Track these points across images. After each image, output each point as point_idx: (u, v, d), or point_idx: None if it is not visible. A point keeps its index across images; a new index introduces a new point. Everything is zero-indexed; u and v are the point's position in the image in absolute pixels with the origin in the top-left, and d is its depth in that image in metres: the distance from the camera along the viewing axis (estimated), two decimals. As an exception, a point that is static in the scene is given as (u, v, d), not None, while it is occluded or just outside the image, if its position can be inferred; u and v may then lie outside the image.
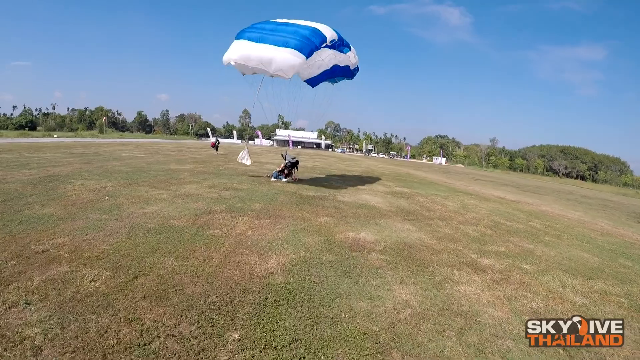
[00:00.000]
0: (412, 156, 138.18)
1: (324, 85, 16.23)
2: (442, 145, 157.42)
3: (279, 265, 5.82)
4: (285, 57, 11.99)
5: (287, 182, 16.25)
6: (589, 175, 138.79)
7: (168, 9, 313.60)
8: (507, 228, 11.25)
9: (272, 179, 16.64)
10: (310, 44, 12.29)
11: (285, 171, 17.10)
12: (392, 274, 5.99)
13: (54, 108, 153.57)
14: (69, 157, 20.48)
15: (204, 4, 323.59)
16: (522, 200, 21.61)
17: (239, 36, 12.69)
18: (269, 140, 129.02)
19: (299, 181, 16.85)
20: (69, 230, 6.62)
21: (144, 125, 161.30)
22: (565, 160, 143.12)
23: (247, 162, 17.19)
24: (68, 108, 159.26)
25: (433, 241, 8.52)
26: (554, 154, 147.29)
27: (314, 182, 17.75)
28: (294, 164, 17.40)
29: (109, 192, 10.32)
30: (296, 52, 12.02)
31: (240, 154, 17.46)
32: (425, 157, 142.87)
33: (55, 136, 57.91)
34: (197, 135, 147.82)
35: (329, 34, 12.97)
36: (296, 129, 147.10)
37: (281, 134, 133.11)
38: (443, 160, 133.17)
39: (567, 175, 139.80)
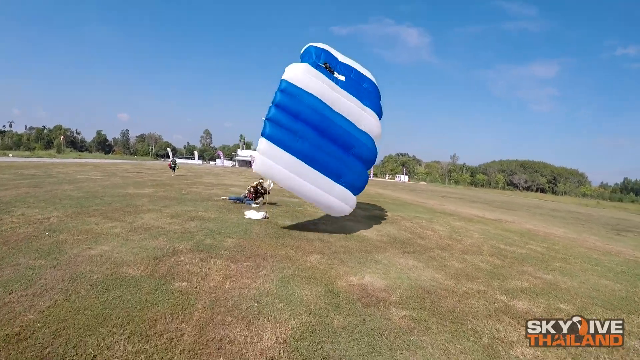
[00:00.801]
0: (375, 174, 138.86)
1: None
2: (404, 163, 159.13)
3: (278, 341, 4.16)
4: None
5: (256, 206, 14.76)
6: (549, 187, 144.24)
7: (131, 26, 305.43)
8: (512, 255, 10.24)
9: (230, 201, 15.35)
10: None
11: (258, 198, 15.58)
12: (429, 341, 4.50)
13: (10, 126, 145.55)
14: (17, 179, 18.18)
15: (166, 21, 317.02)
16: (503, 219, 21.08)
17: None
18: (230, 161, 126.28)
19: (269, 205, 15.31)
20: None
21: (104, 145, 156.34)
22: (525, 174, 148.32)
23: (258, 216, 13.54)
24: (26, 126, 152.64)
25: (449, 281, 7.13)
26: (513, 169, 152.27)
27: (286, 206, 16.22)
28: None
29: (52, 225, 8.43)
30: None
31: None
32: (387, 175, 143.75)
33: (10, 155, 53.71)
34: (157, 155, 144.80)
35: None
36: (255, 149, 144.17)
37: (243, 154, 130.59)
38: (405, 178, 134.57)
39: (528, 188, 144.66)
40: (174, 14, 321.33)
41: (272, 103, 9.03)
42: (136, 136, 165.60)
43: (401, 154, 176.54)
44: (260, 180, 15.68)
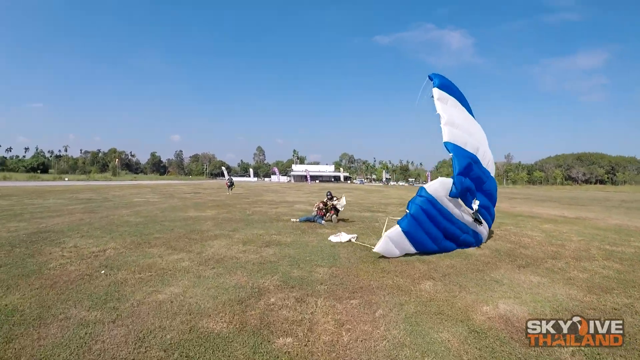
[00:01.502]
0: (425, 180, 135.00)
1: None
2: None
3: None
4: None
5: (326, 223, 13.44)
6: (608, 178, 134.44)
7: (178, 49, 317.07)
8: (625, 256, 9.20)
9: (295, 220, 14.02)
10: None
11: (327, 214, 14.06)
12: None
13: (66, 150, 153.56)
14: (72, 203, 17.80)
15: (213, 43, 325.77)
16: (584, 216, 19.49)
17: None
18: (285, 177, 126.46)
19: (343, 222, 13.97)
20: (27, 355, 3.62)
21: (158, 167, 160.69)
22: (583, 167, 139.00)
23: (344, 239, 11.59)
24: (81, 150, 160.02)
25: (589, 297, 5.95)
26: (570, 163, 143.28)
27: (361, 222, 14.59)
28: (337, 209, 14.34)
29: (109, 260, 7.24)
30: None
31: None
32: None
33: (66, 179, 55.71)
34: (212, 175, 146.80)
35: None
36: (311, 163, 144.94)
37: (297, 169, 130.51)
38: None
39: (586, 181, 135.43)
40: (213, 35, 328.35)
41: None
42: (190, 156, 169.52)
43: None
44: (334, 200, 14.24)
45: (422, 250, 8.38)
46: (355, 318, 4.82)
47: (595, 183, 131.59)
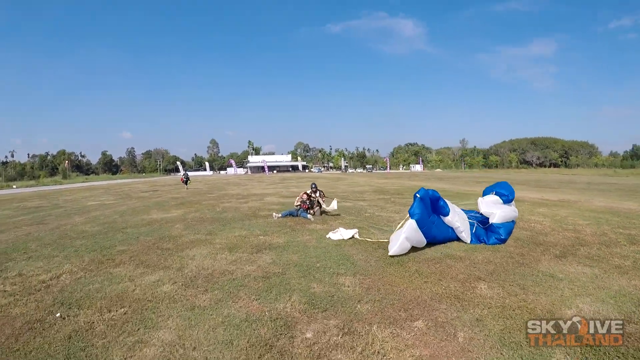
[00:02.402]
0: (385, 167, 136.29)
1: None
2: (417, 153, 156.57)
3: None
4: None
5: (314, 218, 12.02)
6: (561, 162, 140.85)
7: (121, 43, 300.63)
8: None
9: (277, 215, 12.37)
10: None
11: (313, 208, 12.71)
12: None
13: (12, 156, 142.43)
14: (19, 214, 15.23)
15: (158, 35, 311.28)
16: (567, 199, 18.65)
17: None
18: (241, 169, 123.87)
19: (332, 216, 12.58)
20: None
21: (110, 166, 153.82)
22: (537, 151, 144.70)
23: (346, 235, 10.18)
24: (28, 155, 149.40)
25: None
26: (525, 147, 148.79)
27: (351, 213, 13.35)
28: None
29: (65, 293, 5.35)
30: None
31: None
32: (402, 166, 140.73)
33: (14, 187, 50.66)
34: (166, 170, 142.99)
35: None
36: (266, 154, 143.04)
37: (254, 160, 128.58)
38: (420, 167, 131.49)
39: (541, 165, 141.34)
40: (157, 27, 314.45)
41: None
42: (142, 153, 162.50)
43: (410, 144, 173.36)
44: (318, 195, 12.87)
45: (431, 240, 7.58)
46: (438, 349, 3.53)
47: (549, 166, 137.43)
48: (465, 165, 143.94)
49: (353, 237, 8.75)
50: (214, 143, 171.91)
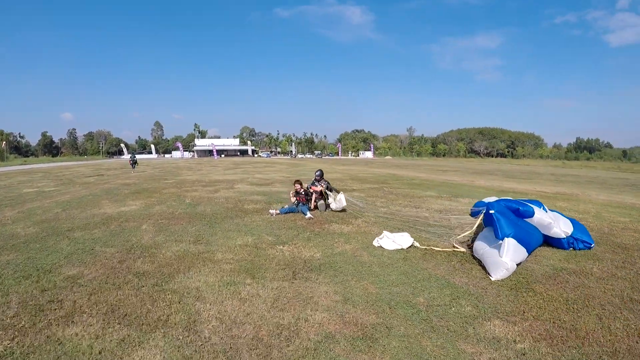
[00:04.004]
0: (336, 153, 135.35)
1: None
2: (365, 139, 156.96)
3: None
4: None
5: (310, 216, 9.28)
6: (508, 152, 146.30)
7: (60, 19, 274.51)
8: None
9: (275, 212, 9.69)
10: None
11: (314, 199, 10.36)
12: None
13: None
14: None
15: (102, 12, 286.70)
16: (562, 192, 17.82)
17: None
18: (187, 152, 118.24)
19: (326, 211, 10.23)
20: None
21: (50, 148, 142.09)
22: (484, 140, 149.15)
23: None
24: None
25: None
26: (472, 136, 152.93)
27: (358, 210, 10.80)
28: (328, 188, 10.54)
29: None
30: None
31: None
32: (350, 152, 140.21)
33: None
34: (109, 153, 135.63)
35: None
36: (211, 137, 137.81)
37: (201, 143, 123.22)
38: (370, 154, 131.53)
39: (488, 154, 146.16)
40: (102, 6, 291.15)
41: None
42: (84, 135, 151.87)
43: (357, 130, 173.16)
44: (322, 185, 10.47)
45: (530, 250, 6.15)
46: None
47: (497, 156, 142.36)
48: (414, 153, 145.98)
49: (413, 245, 6.60)
50: (158, 126, 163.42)
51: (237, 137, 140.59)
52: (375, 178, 23.22)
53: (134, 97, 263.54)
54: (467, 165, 58.70)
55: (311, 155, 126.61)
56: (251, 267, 5.36)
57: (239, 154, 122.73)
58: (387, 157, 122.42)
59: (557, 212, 7.12)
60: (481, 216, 6.35)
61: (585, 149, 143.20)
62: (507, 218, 5.69)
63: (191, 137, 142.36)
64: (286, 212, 9.67)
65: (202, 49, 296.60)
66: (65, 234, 7.34)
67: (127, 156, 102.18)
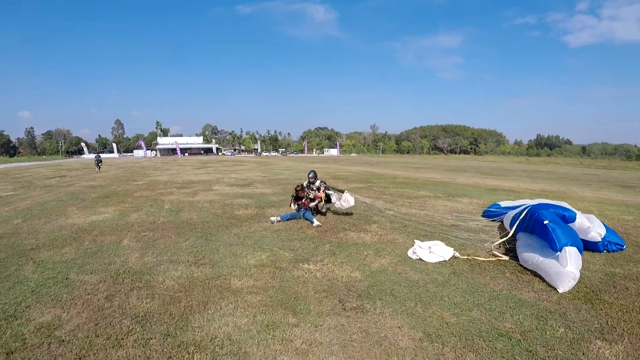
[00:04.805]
0: (301, 151, 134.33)
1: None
2: (330, 137, 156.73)
3: None
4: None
5: (318, 224, 8.13)
6: (471, 149, 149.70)
7: (17, 13, 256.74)
8: None
9: (277, 219, 8.45)
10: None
11: (316, 202, 9.17)
12: None
13: None
14: None
15: (58, 7, 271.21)
16: (549, 189, 17.77)
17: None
18: (150, 151, 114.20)
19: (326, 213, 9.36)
20: None
21: (7, 147, 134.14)
22: (448, 137, 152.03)
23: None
24: None
25: None
26: (436, 133, 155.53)
27: (364, 213, 9.82)
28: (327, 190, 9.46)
29: None
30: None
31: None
32: (315, 150, 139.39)
33: None
34: (68, 153, 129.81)
35: None
36: (174, 136, 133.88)
37: (164, 142, 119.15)
38: (335, 152, 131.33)
39: (452, 151, 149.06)
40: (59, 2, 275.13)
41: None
42: (42, 134, 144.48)
43: (320, 128, 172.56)
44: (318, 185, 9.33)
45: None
46: None
47: (460, 153, 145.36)
48: (378, 150, 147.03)
49: (454, 256, 5.89)
50: (119, 124, 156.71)
51: (200, 135, 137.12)
52: (356, 177, 22.28)
53: (93, 94, 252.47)
54: (434, 162, 58.95)
55: (276, 153, 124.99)
56: (284, 297, 4.21)
57: (203, 152, 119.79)
58: (352, 155, 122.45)
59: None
60: (516, 223, 6.16)
61: (545, 146, 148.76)
62: (561, 227, 5.31)
63: (153, 136, 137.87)
64: (288, 219, 8.52)
65: (161, 45, 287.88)
66: (29, 255, 5.87)
67: (88, 156, 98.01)
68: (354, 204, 8.78)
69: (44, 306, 3.97)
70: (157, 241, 6.68)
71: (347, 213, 9.12)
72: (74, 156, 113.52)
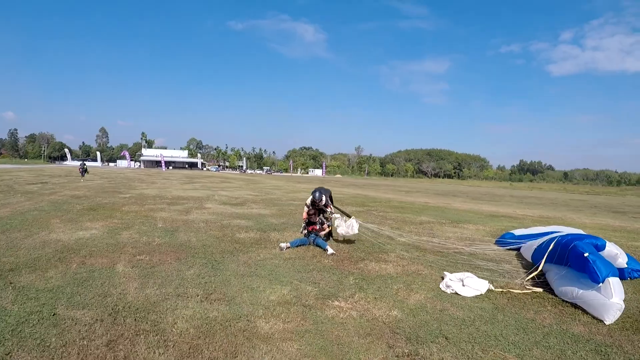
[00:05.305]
0: (285, 170, 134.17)
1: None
2: (315, 157, 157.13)
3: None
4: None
5: (332, 252, 7.37)
6: (455, 173, 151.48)
7: (10, 11, 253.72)
8: None
9: (286, 246, 7.67)
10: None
11: (324, 227, 8.35)
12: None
13: None
14: None
15: (48, 13, 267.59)
16: (547, 215, 17.83)
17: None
18: (133, 162, 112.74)
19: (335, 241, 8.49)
20: None
21: None
22: (432, 161, 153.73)
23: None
24: None
25: None
26: (420, 157, 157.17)
27: (373, 241, 8.92)
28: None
29: None
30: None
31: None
32: (300, 170, 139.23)
33: None
34: (50, 158, 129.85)
35: None
36: (158, 148, 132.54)
37: (148, 153, 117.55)
38: (320, 172, 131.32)
39: (436, 175, 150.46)
40: (47, 6, 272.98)
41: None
42: (25, 136, 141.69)
43: (305, 147, 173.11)
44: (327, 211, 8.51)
45: None
46: None
47: (444, 177, 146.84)
48: (363, 172, 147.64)
49: (490, 289, 5.53)
50: (103, 132, 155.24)
51: (185, 149, 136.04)
52: (351, 199, 21.68)
53: (79, 100, 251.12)
54: (421, 186, 58.98)
55: (260, 171, 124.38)
56: (326, 344, 3.56)
57: (187, 166, 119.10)
58: (337, 176, 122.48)
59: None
60: (545, 255, 6.03)
61: (528, 171, 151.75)
62: (600, 258, 5.25)
63: (137, 147, 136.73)
64: (297, 245, 7.83)
65: (151, 56, 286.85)
66: (7, 277, 5.04)
67: (70, 162, 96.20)
68: (357, 232, 8.11)
69: (28, 354, 3.18)
70: (156, 267, 5.89)
71: (349, 241, 8.42)
72: (57, 162, 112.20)
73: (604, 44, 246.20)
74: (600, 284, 4.85)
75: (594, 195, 49.00)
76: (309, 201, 8.27)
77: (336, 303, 4.62)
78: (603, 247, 5.77)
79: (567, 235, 6.27)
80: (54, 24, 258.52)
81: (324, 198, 8.25)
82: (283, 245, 7.64)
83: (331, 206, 8.63)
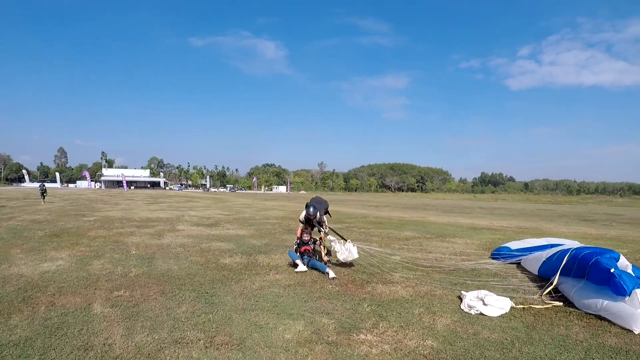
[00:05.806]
0: (249, 187, 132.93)
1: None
2: (278, 174, 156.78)
3: None
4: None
5: (334, 276, 6.81)
6: (418, 186, 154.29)
7: None
8: None
9: (302, 267, 7.22)
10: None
11: (319, 246, 7.95)
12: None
13: None
14: None
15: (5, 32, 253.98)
16: (524, 226, 18.02)
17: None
18: (94, 182, 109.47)
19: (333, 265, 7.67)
20: None
21: None
22: (395, 176, 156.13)
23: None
24: None
25: None
26: (384, 172, 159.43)
27: (370, 260, 8.45)
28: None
29: None
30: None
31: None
32: (264, 187, 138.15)
33: None
34: (7, 180, 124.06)
35: None
36: (118, 167, 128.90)
37: (109, 173, 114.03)
38: (284, 189, 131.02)
39: (399, 189, 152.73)
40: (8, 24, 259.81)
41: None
42: None
43: (267, 164, 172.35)
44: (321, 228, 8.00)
45: None
46: None
47: (407, 191, 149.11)
48: (326, 187, 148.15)
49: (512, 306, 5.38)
50: (62, 152, 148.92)
51: (146, 168, 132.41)
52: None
53: (35, 119, 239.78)
54: (388, 200, 59.49)
55: (224, 189, 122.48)
56: None
57: (149, 186, 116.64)
58: (301, 192, 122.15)
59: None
60: (560, 268, 6.04)
61: (490, 183, 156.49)
62: (625, 272, 5.31)
63: (97, 167, 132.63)
64: (314, 268, 7.26)
65: (108, 73, 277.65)
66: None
67: (29, 184, 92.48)
68: (357, 256, 7.58)
69: None
70: (140, 306, 5.11)
71: (346, 264, 7.87)
72: (14, 184, 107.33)
73: (560, 59, 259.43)
74: (628, 296, 4.89)
75: (557, 204, 50.96)
76: (302, 217, 7.76)
77: (362, 336, 4.08)
78: (618, 259, 5.78)
79: (582, 248, 6.26)
80: (6, 42, 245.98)
81: (318, 214, 7.74)
82: (301, 269, 7.13)
83: (326, 224, 8.09)
